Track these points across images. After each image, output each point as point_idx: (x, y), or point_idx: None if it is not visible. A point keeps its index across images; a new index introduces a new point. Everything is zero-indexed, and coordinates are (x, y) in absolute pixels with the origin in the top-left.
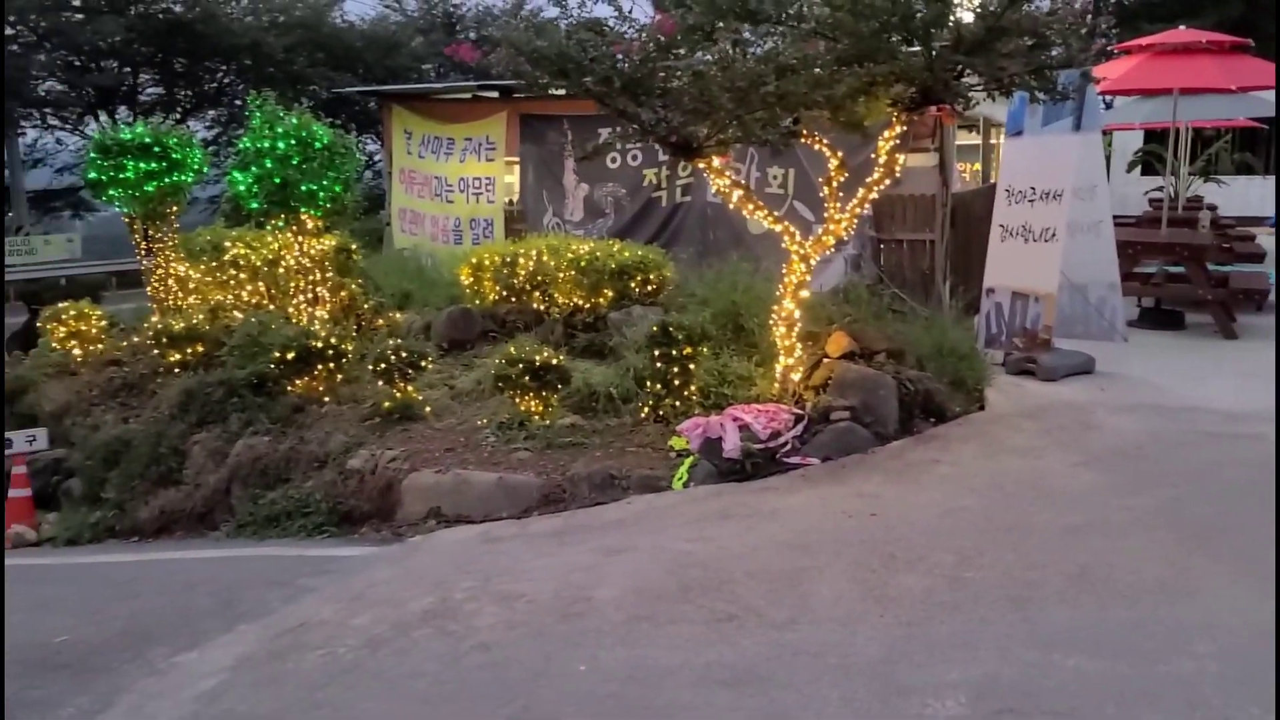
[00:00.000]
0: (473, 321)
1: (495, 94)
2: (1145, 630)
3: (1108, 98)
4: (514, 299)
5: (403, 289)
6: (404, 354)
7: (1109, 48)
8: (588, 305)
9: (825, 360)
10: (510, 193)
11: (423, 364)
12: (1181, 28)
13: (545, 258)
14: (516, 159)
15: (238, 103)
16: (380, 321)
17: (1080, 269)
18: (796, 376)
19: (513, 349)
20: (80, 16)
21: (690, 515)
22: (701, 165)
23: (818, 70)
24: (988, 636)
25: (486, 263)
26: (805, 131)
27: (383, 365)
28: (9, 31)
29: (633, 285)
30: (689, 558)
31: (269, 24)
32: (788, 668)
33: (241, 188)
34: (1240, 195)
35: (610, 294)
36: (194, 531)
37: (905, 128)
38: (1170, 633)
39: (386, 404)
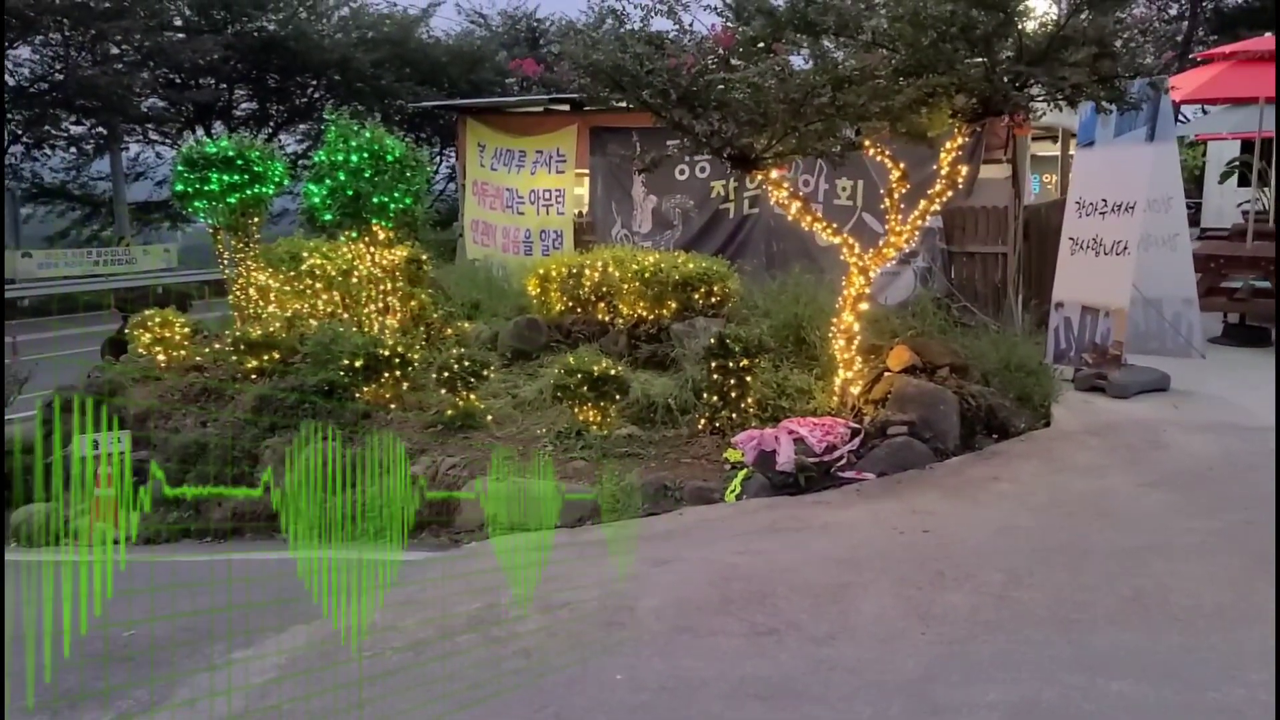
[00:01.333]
0: (539, 331)
1: (566, 107)
2: (1197, 656)
3: (1208, 107)
4: (579, 310)
5: (472, 299)
6: (466, 363)
7: (1191, 55)
8: (651, 317)
9: (886, 374)
10: (580, 204)
11: (484, 373)
12: (1268, 35)
13: (610, 269)
14: (586, 171)
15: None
16: (449, 331)
17: (1156, 283)
18: (856, 390)
19: (571, 359)
20: (181, 36)
21: (740, 528)
22: (760, 177)
23: (877, 81)
24: (1031, 657)
25: (553, 274)
26: (869, 143)
27: (445, 374)
28: (114, 51)
29: (696, 297)
30: (734, 570)
31: (358, 40)
32: (823, 683)
33: (316, 199)
34: None
35: (674, 305)
36: (263, 534)
37: (968, 139)
38: (1224, 659)
39: (449, 412)
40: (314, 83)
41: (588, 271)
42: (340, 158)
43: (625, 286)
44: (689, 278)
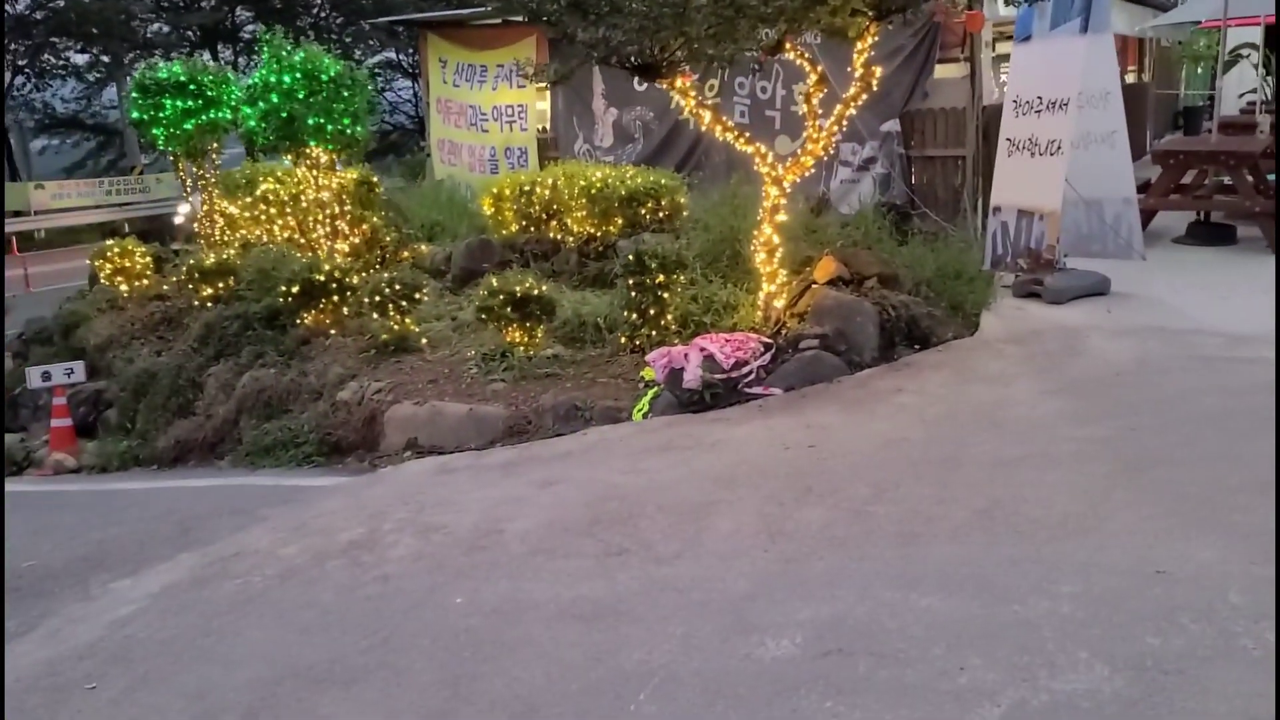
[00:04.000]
0: (491, 252)
1: (524, 16)
2: (1019, 568)
3: None
4: (533, 228)
5: (433, 220)
6: (397, 287)
7: None
8: (600, 234)
9: (813, 287)
10: (543, 120)
11: (416, 296)
12: None
13: (560, 186)
14: (547, 85)
15: (334, 37)
16: (405, 254)
17: (1095, 183)
18: (779, 304)
19: (494, 280)
20: None
21: (636, 447)
22: (664, 85)
23: None
24: (859, 574)
25: (507, 193)
26: (789, 45)
27: (377, 298)
28: None
29: (643, 212)
30: (613, 490)
31: None
32: (649, 603)
33: (252, 123)
34: None
35: (620, 221)
36: (205, 460)
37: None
38: (1044, 572)
39: (383, 336)
40: (319, 1)
41: (538, 190)
42: (274, 79)
43: (573, 204)
44: (635, 193)
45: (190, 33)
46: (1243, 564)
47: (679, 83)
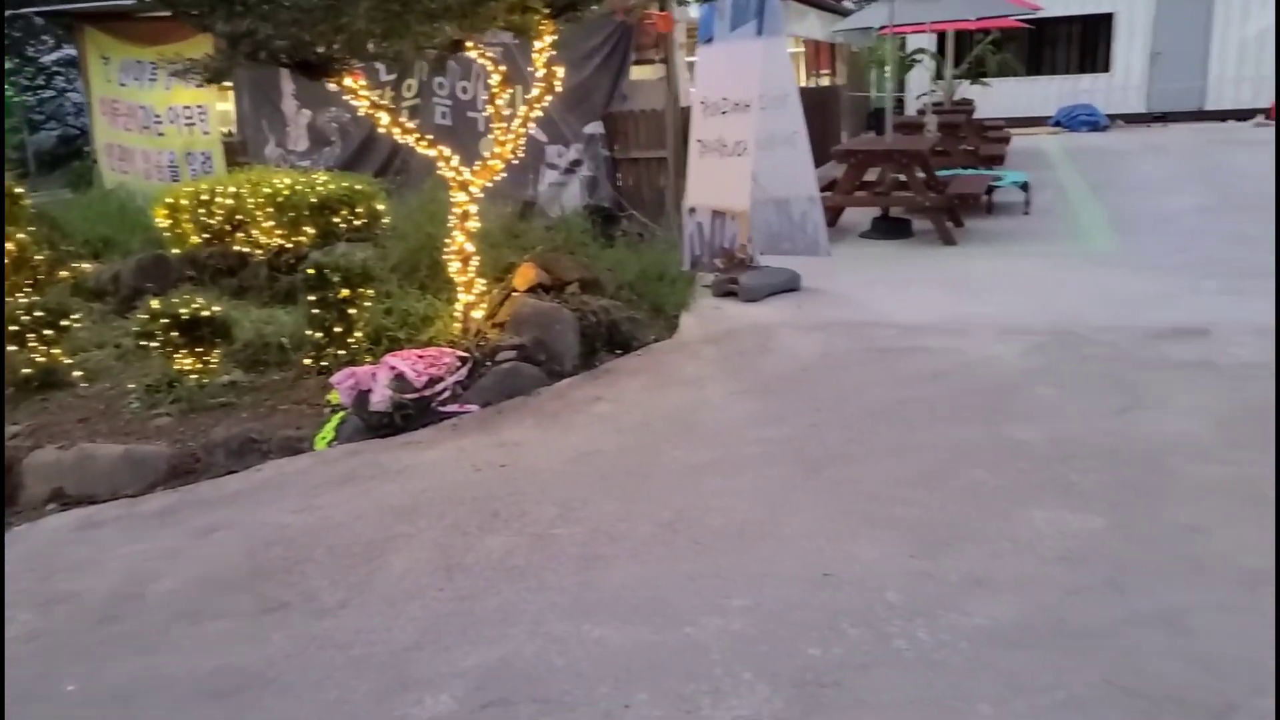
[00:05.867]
0: (167, 268)
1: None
2: (696, 585)
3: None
4: (216, 241)
5: (100, 235)
6: (38, 313)
7: None
8: (291, 245)
9: (514, 294)
10: (228, 122)
11: (64, 323)
12: None
13: (244, 194)
14: (230, 84)
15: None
16: (63, 273)
17: (782, 182)
18: (479, 314)
19: (155, 302)
20: None
21: (314, 481)
22: (333, 86)
23: None
24: (533, 607)
25: (184, 202)
26: (470, 44)
27: (14, 327)
28: None
29: (337, 220)
30: (282, 533)
31: None
32: (303, 665)
33: None
34: (1010, 96)
35: (313, 231)
36: None
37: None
38: (719, 586)
39: (25, 371)
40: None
41: (218, 198)
42: None
43: (259, 213)
44: (327, 200)
45: None
46: (902, 559)
47: (348, 81)
